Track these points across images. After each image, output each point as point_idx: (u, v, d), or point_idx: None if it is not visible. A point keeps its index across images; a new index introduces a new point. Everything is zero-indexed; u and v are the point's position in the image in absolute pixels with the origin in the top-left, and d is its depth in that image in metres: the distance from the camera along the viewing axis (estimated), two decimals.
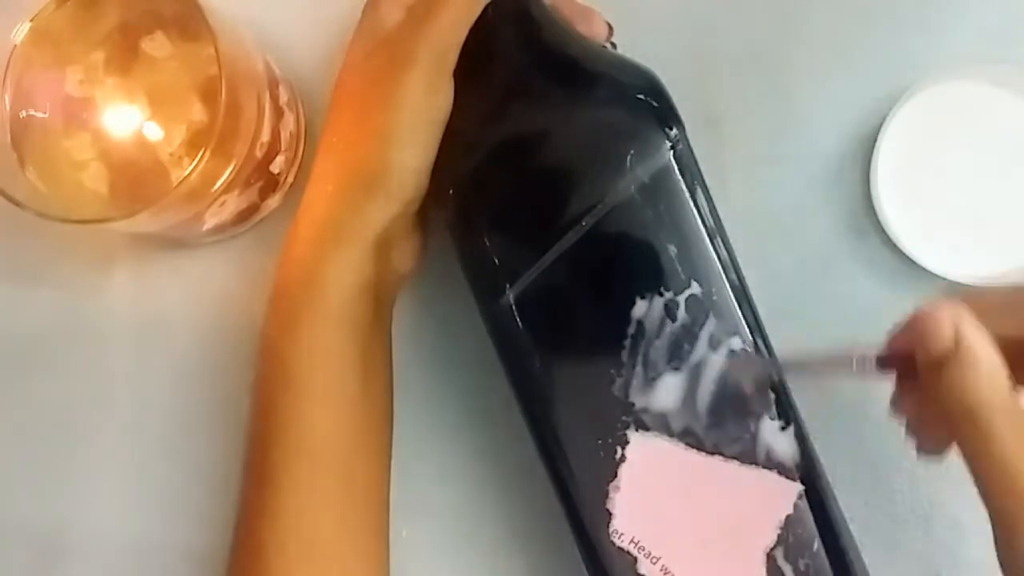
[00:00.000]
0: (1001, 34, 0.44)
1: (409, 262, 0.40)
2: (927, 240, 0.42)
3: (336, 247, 0.37)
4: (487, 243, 0.37)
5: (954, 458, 0.43)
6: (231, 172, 0.38)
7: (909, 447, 0.34)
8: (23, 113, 0.40)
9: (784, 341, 0.38)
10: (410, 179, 0.37)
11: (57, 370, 0.45)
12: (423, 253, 0.41)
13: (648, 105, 0.37)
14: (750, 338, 0.37)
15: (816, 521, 0.37)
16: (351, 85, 0.38)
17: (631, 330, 0.36)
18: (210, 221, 0.41)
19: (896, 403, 0.35)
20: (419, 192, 0.37)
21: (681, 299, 0.36)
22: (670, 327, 0.36)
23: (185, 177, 0.35)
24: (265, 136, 0.40)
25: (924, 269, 0.41)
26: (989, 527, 0.43)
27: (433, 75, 0.36)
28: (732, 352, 0.36)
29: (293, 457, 0.37)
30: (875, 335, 0.43)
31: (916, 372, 0.32)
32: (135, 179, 0.39)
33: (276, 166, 0.42)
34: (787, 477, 0.37)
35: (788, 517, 0.37)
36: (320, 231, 0.37)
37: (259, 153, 0.40)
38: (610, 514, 0.37)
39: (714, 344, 0.37)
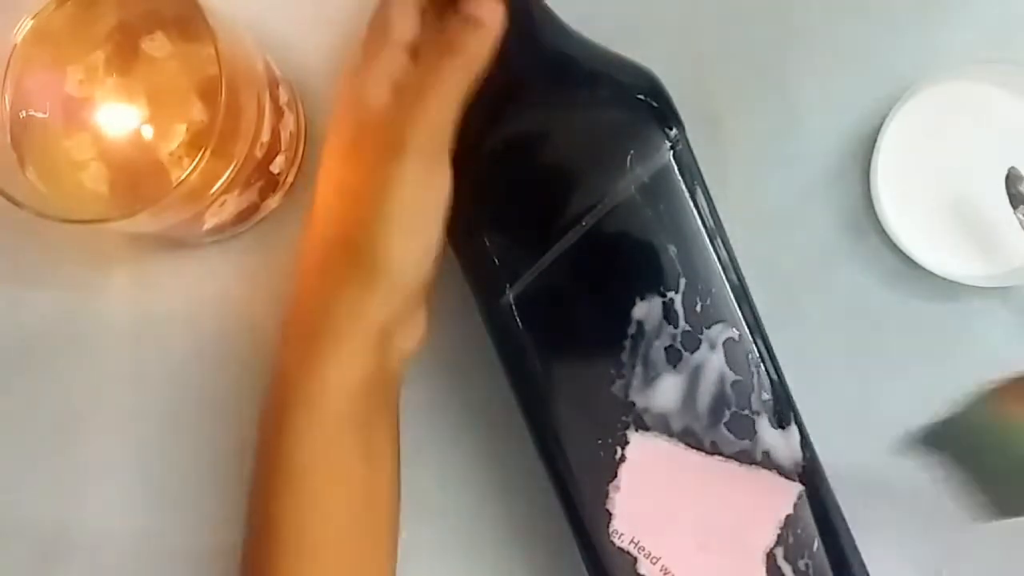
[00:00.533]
0: (1001, 34, 0.44)
1: (416, 340, 0.38)
2: (927, 240, 0.42)
3: (336, 345, 0.35)
4: (487, 243, 0.37)
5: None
6: (231, 172, 0.38)
7: None
8: (23, 113, 0.39)
9: (784, 341, 0.38)
10: (412, 268, 0.35)
11: (57, 370, 0.45)
12: (429, 324, 0.39)
13: (648, 105, 0.37)
14: (750, 337, 0.37)
15: (816, 521, 0.37)
16: (340, 173, 0.37)
17: (631, 330, 0.36)
18: (210, 221, 0.41)
19: None
20: (424, 277, 0.36)
21: (681, 299, 0.36)
22: (670, 327, 0.36)
23: (185, 177, 0.35)
24: (265, 136, 0.40)
25: (924, 269, 0.41)
26: (989, 527, 0.43)
27: (427, 160, 0.35)
28: (731, 340, 0.36)
29: (293, 553, 0.36)
30: (875, 335, 0.43)
31: None
32: (135, 179, 0.39)
33: (276, 166, 0.42)
34: (787, 477, 0.37)
35: (788, 517, 0.37)
36: (318, 327, 0.36)
37: (259, 153, 0.40)
38: (610, 514, 0.37)
39: (714, 344, 0.37)
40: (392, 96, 0.36)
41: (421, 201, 0.35)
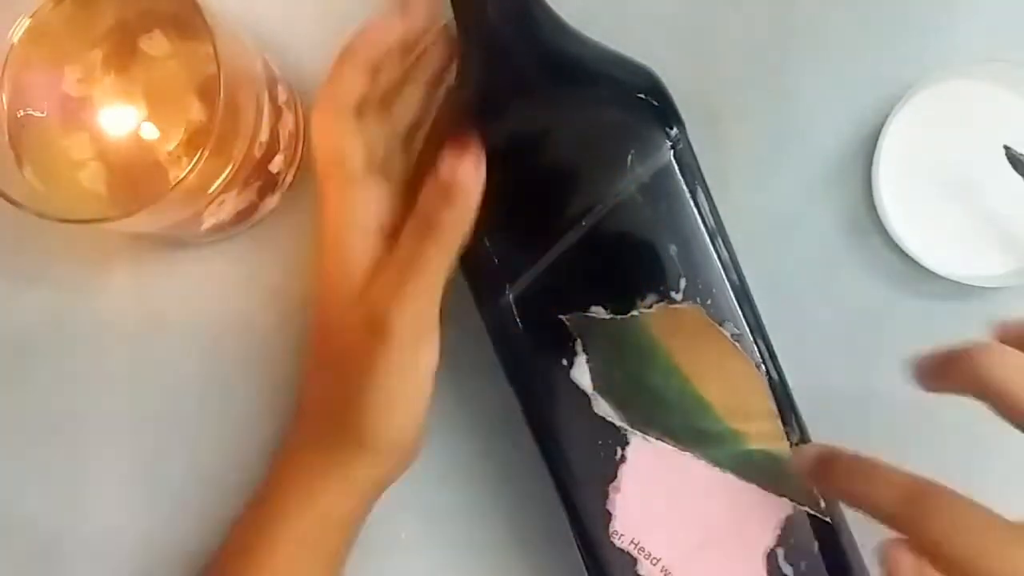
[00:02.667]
0: (1002, 33, 0.43)
1: (408, 468, 0.39)
2: (929, 239, 0.42)
3: (332, 492, 0.37)
4: (487, 243, 0.37)
5: (953, 461, 0.43)
6: (229, 172, 0.38)
7: None
8: (21, 112, 0.39)
9: (785, 341, 0.38)
10: (397, 440, 0.37)
11: (56, 370, 0.45)
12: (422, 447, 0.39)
13: (649, 104, 0.37)
14: (750, 337, 0.37)
15: (817, 522, 0.37)
16: (326, 343, 0.37)
17: None
18: (208, 221, 0.41)
19: None
20: (414, 439, 0.37)
21: (681, 299, 0.36)
22: None
23: (183, 176, 0.35)
24: (264, 135, 0.40)
25: (926, 269, 0.41)
26: None
27: (410, 344, 0.35)
28: (734, 336, 0.36)
29: None
30: (876, 335, 0.43)
31: None
32: (133, 178, 0.39)
33: (275, 166, 0.42)
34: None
35: (788, 518, 0.37)
36: (314, 470, 0.37)
37: (258, 153, 0.40)
38: (610, 515, 0.37)
39: None
40: (376, 278, 0.35)
41: (405, 383, 0.36)
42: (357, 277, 0.36)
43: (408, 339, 0.35)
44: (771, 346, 0.37)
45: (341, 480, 0.37)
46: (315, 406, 0.38)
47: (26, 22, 0.39)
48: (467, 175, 0.34)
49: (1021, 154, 0.40)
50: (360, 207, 0.36)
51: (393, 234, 0.36)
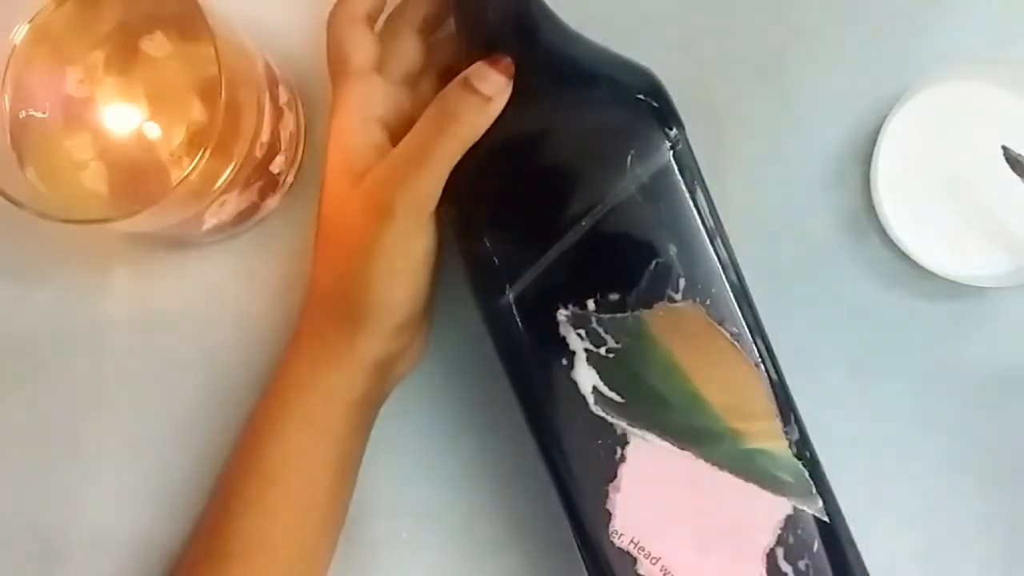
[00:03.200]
0: (1001, 33, 0.44)
1: (412, 365, 0.42)
2: (927, 240, 0.42)
3: (335, 367, 0.38)
4: (487, 243, 0.37)
5: (952, 459, 0.43)
6: (231, 172, 0.38)
7: None
8: (23, 113, 0.39)
9: (784, 341, 0.38)
10: (396, 314, 0.38)
11: (57, 370, 0.45)
12: (426, 344, 0.42)
13: (648, 105, 0.37)
14: (749, 337, 0.37)
15: (816, 521, 0.37)
16: (331, 226, 0.39)
17: None
18: (210, 221, 0.41)
19: None
20: (414, 315, 0.39)
21: (680, 299, 0.36)
22: None
23: (185, 177, 0.35)
24: (265, 136, 0.40)
25: (924, 269, 0.41)
26: (990, 526, 0.43)
27: (411, 226, 0.37)
28: (733, 335, 0.36)
29: (255, 547, 0.38)
30: (875, 335, 0.43)
31: None
32: (135, 179, 0.39)
33: (276, 166, 0.42)
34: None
35: (788, 518, 0.37)
36: (319, 349, 0.39)
37: (259, 153, 0.40)
38: (610, 514, 0.37)
39: None
40: (382, 162, 0.37)
41: (402, 261, 0.37)
42: (358, 161, 0.37)
43: (409, 223, 0.36)
44: (770, 345, 0.37)
45: (343, 355, 0.38)
46: (320, 288, 0.39)
47: (28, 24, 0.40)
48: (498, 82, 0.36)
49: (1019, 154, 0.40)
50: (361, 97, 0.38)
51: (393, 138, 0.38)
